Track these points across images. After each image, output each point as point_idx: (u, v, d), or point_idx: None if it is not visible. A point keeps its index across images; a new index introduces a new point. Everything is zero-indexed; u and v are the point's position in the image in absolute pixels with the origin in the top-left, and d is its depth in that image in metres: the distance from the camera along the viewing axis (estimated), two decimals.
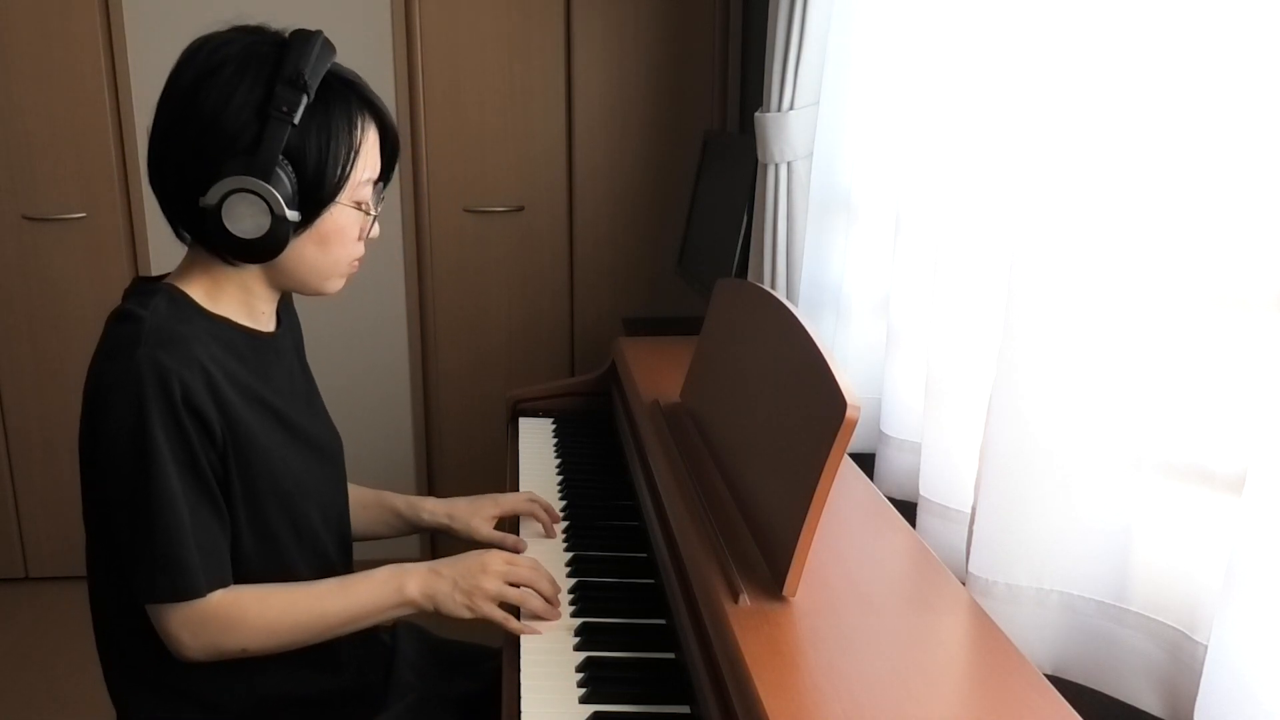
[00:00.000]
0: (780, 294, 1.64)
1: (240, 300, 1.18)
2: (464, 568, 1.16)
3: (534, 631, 1.15)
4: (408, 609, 1.16)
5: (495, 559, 1.18)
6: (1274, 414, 0.77)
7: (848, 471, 1.34)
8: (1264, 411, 0.80)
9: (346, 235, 1.16)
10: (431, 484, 3.05)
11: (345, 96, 1.12)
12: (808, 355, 1.05)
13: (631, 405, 1.62)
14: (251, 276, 1.17)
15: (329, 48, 1.11)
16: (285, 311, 1.28)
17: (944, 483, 1.31)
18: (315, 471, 1.24)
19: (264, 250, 1.10)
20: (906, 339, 1.49)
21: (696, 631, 1.02)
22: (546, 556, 1.32)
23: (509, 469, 1.69)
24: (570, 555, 1.36)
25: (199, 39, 1.11)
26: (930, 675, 0.85)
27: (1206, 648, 0.84)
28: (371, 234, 1.19)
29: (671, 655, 1.13)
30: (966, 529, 1.16)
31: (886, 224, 1.63)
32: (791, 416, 1.04)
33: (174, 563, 1.06)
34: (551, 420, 1.89)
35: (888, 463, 1.53)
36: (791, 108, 1.80)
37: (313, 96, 1.08)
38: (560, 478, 1.62)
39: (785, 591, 0.96)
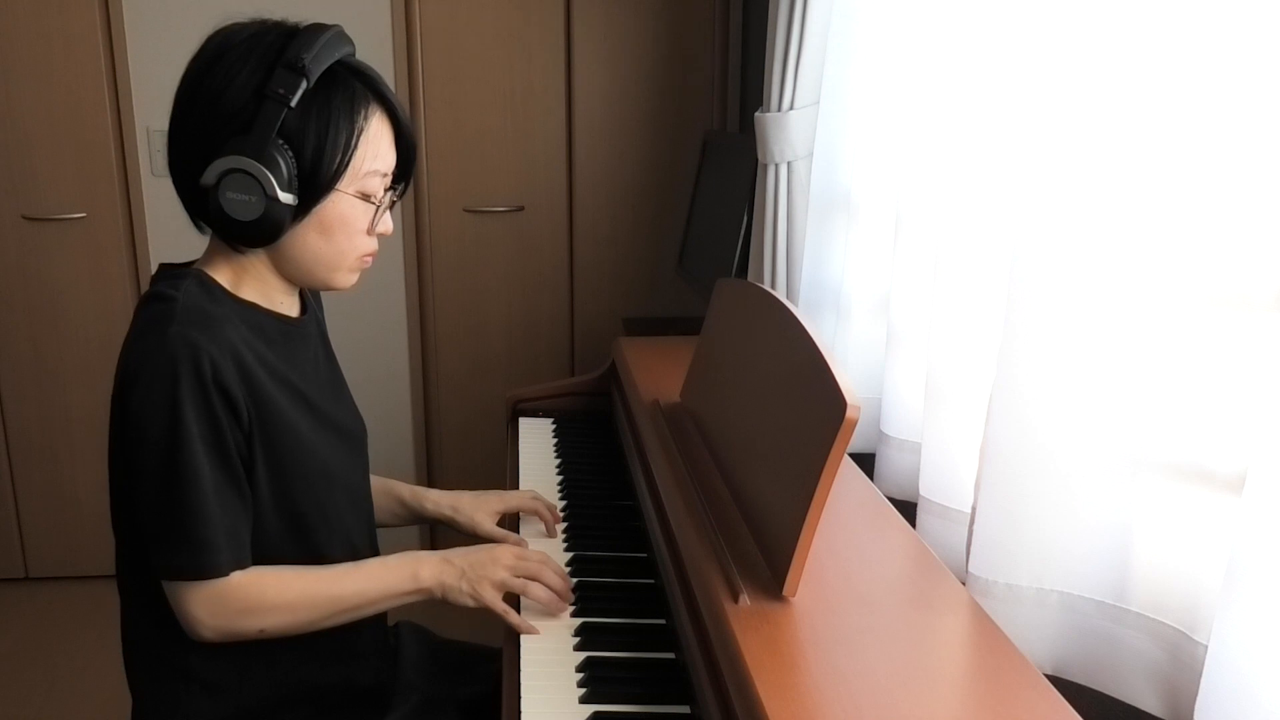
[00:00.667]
0: (780, 294, 1.64)
1: (259, 289, 1.19)
2: (475, 559, 1.19)
3: (531, 630, 1.16)
4: (419, 595, 1.18)
5: (506, 552, 1.20)
6: (1274, 414, 0.77)
7: (848, 471, 1.34)
8: (1264, 411, 0.80)
9: (351, 226, 1.16)
10: (431, 483, 3.03)
11: (349, 84, 1.12)
12: (808, 355, 1.05)
13: (631, 405, 1.62)
14: (263, 266, 1.18)
15: (342, 39, 1.12)
16: (312, 299, 1.30)
17: (944, 483, 1.31)
18: (342, 456, 1.24)
19: (261, 233, 1.11)
20: (906, 339, 1.49)
21: (696, 631, 1.02)
22: None
23: (509, 469, 1.69)
24: (570, 555, 1.36)
25: (218, 28, 1.13)
26: (930, 675, 0.85)
27: (1206, 648, 0.84)
28: (382, 229, 1.19)
29: (671, 655, 1.13)
30: (966, 529, 1.16)
31: (886, 224, 1.63)
32: (791, 416, 1.04)
33: (197, 540, 1.07)
34: (551, 420, 1.89)
35: (888, 463, 1.53)
36: (791, 108, 1.80)
37: (313, 82, 1.09)
38: (560, 478, 1.62)
39: (785, 591, 0.96)
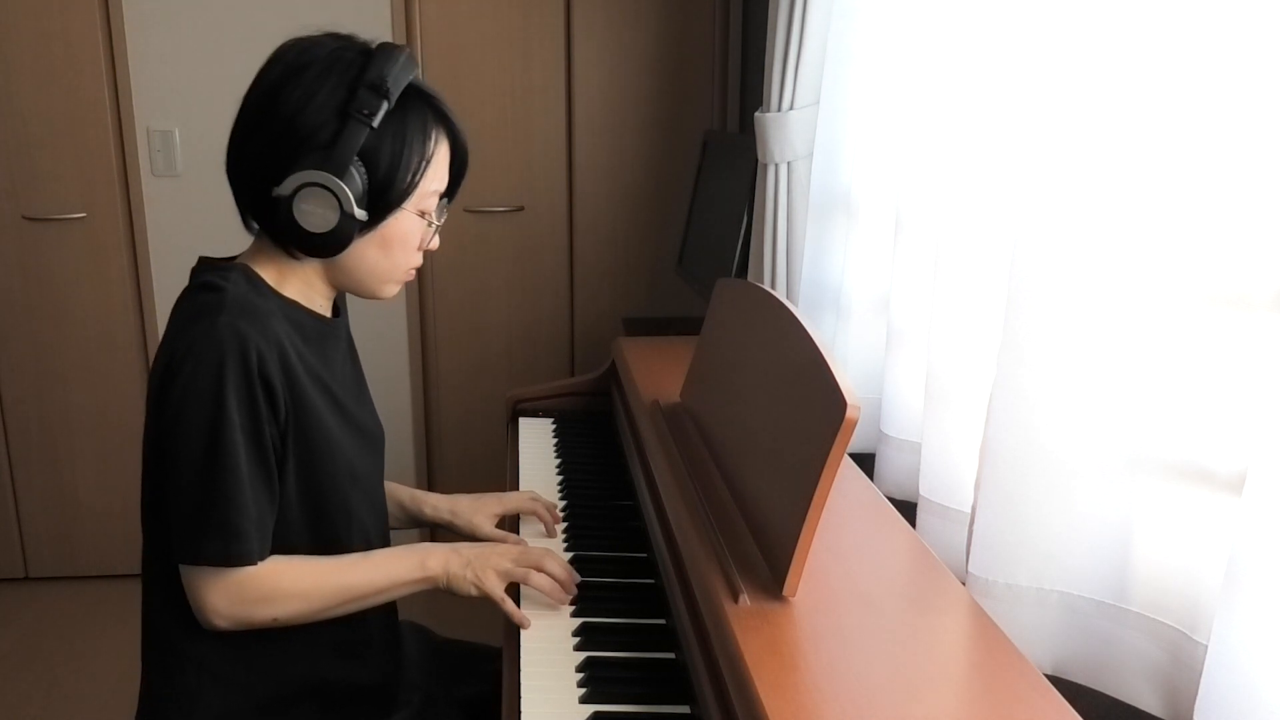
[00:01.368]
0: (780, 294, 1.64)
1: (302, 290, 1.21)
2: (480, 550, 1.22)
3: (524, 622, 1.17)
4: (426, 584, 1.20)
5: (511, 545, 1.24)
6: (1274, 414, 0.77)
7: (848, 471, 1.34)
8: (1264, 411, 0.80)
9: (408, 242, 1.20)
10: (431, 483, 3.05)
11: (422, 109, 1.16)
12: (808, 355, 1.05)
13: (631, 405, 1.62)
14: (313, 271, 1.20)
15: (412, 61, 1.16)
16: (341, 301, 1.31)
17: (944, 483, 1.31)
18: (365, 458, 1.26)
19: (328, 245, 1.14)
20: (907, 339, 1.49)
21: (696, 631, 1.02)
22: None
23: (509, 469, 1.70)
24: (570, 555, 1.36)
25: (290, 40, 1.16)
26: (930, 675, 0.85)
27: (1206, 648, 0.84)
28: (431, 245, 1.23)
29: (671, 655, 1.13)
30: (966, 529, 1.16)
31: (886, 224, 1.63)
32: (791, 416, 1.04)
33: (230, 529, 1.09)
34: (551, 420, 1.89)
35: (888, 463, 1.53)
36: (791, 108, 1.80)
37: (393, 103, 1.12)
38: (560, 478, 1.62)
39: (785, 591, 0.96)
